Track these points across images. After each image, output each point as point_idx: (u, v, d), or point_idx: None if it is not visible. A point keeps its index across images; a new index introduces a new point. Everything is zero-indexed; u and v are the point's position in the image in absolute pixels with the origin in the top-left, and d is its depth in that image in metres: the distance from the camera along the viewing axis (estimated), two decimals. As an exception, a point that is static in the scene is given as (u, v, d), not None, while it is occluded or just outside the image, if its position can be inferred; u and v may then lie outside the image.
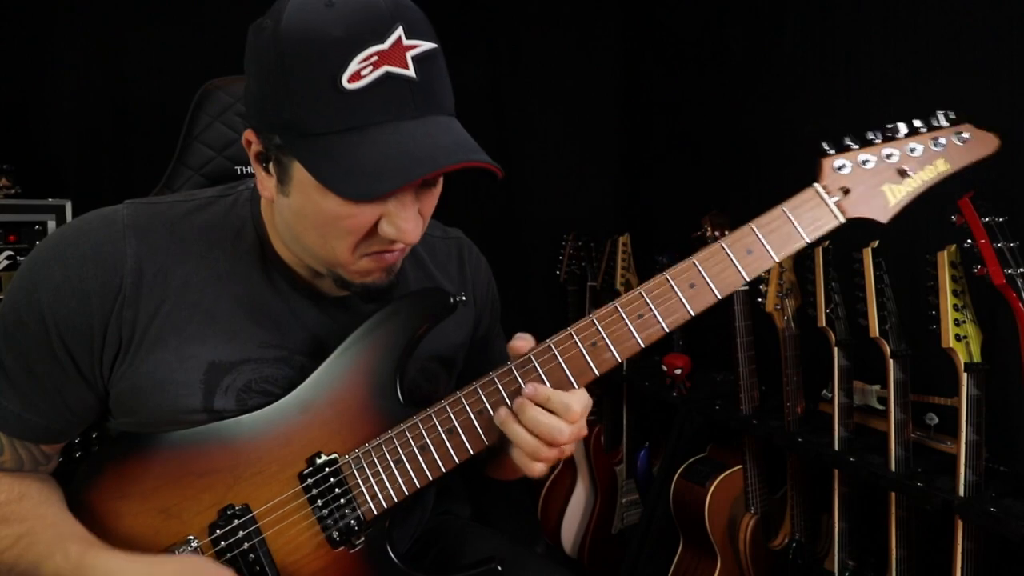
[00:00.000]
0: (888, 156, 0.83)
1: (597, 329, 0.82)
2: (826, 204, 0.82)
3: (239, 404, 0.85)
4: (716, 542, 1.80)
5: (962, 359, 1.24)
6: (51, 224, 1.87)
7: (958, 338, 1.24)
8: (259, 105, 0.76)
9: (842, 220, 0.83)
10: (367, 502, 0.83)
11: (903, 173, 0.83)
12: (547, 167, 2.66)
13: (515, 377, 0.82)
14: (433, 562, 1.02)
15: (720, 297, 0.82)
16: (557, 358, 0.82)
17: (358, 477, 0.83)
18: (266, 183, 0.81)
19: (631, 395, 2.35)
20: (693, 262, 0.82)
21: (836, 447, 1.50)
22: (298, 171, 0.74)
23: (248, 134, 0.80)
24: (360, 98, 0.69)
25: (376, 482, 0.83)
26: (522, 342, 0.83)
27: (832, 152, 0.83)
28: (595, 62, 2.72)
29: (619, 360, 0.82)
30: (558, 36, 2.66)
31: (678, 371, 1.99)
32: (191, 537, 0.83)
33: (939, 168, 0.85)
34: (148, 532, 0.83)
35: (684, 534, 1.92)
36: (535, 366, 0.82)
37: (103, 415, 0.88)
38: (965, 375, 1.23)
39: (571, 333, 0.82)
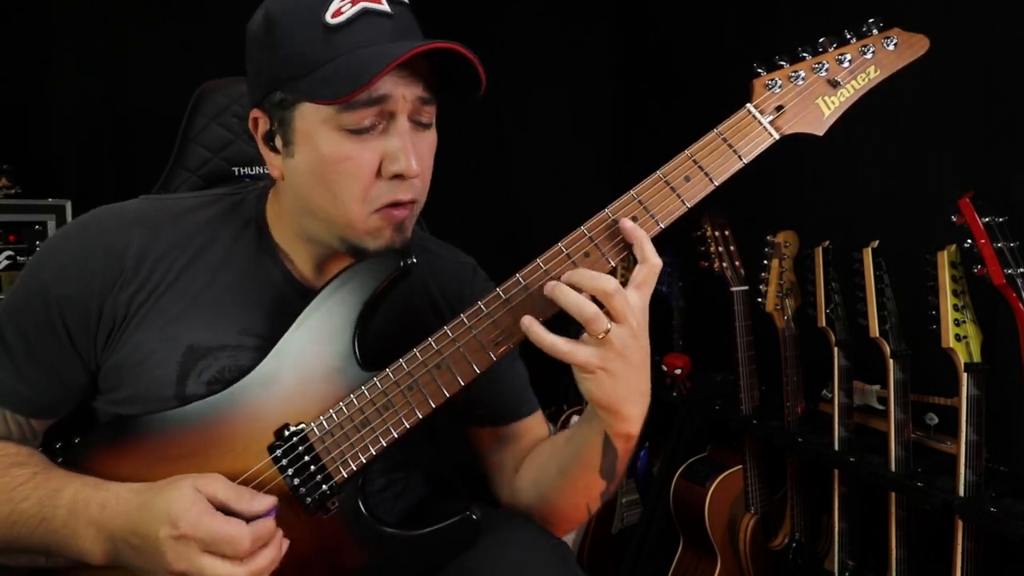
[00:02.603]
0: (817, 68, 0.84)
1: (544, 270, 0.81)
2: (760, 123, 0.83)
3: (209, 390, 0.86)
4: (716, 542, 1.80)
5: (962, 359, 1.23)
6: (51, 224, 1.87)
7: (958, 338, 1.24)
8: (259, 76, 0.83)
9: (776, 137, 0.83)
10: (336, 465, 0.84)
11: (835, 84, 0.84)
12: (547, 167, 2.66)
13: (467, 327, 0.82)
14: (411, 522, 1.01)
15: (662, 226, 0.82)
16: (508, 304, 0.81)
17: (325, 443, 0.84)
18: (274, 161, 0.86)
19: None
20: (632, 195, 0.83)
21: (836, 447, 1.50)
22: (300, 118, 0.80)
23: (254, 114, 0.86)
24: (344, 31, 0.78)
25: (344, 446, 0.84)
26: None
27: (763, 71, 0.83)
28: (594, 62, 2.72)
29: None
30: (557, 35, 2.66)
31: (678, 371, 1.99)
32: None
33: (871, 75, 0.85)
34: None
35: (684, 534, 1.92)
36: (487, 313, 0.81)
37: (92, 394, 0.91)
38: (965, 375, 1.23)
39: (519, 279, 0.82)
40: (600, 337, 0.75)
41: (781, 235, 1.66)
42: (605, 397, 0.79)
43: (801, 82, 0.83)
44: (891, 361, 1.37)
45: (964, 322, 1.25)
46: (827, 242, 1.54)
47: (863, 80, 0.84)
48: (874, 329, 1.39)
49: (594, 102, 2.74)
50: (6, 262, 1.82)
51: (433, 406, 0.83)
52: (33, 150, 2.01)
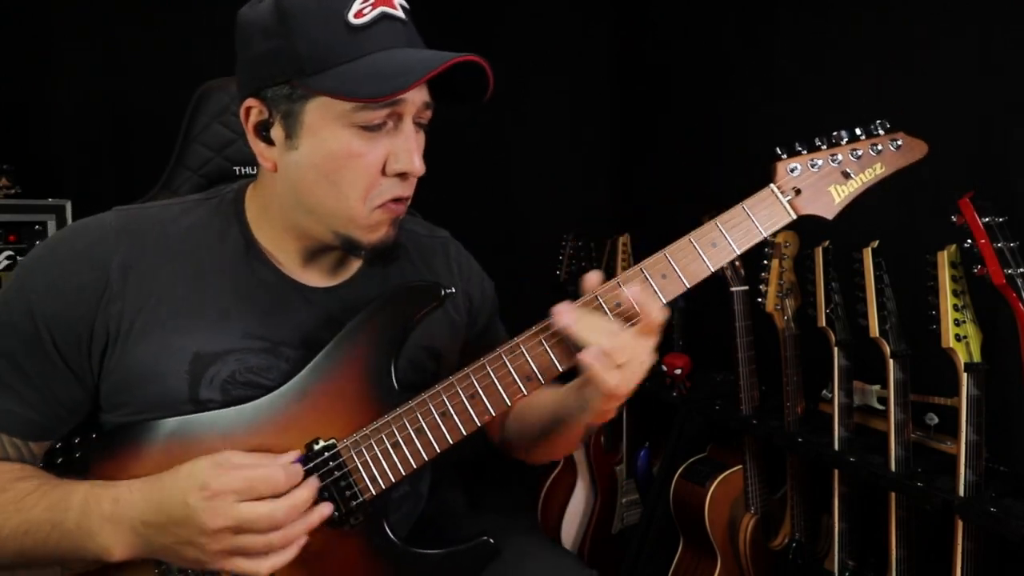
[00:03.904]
0: (834, 159, 0.93)
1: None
2: (780, 202, 0.91)
3: (224, 395, 0.87)
4: (716, 542, 1.80)
5: (962, 359, 1.24)
6: (51, 224, 1.87)
7: (958, 338, 1.24)
8: (262, 65, 0.82)
9: (794, 216, 0.91)
10: (366, 483, 0.86)
11: (846, 175, 0.93)
12: (547, 167, 2.66)
13: (504, 362, 0.87)
14: (429, 542, 1.03)
15: (688, 286, 0.89)
16: (543, 344, 0.87)
17: (357, 461, 0.86)
18: (267, 154, 0.86)
19: (631, 395, 2.34)
20: (665, 255, 0.89)
21: (836, 447, 1.50)
22: (311, 112, 0.81)
23: (248, 103, 0.85)
24: (365, 32, 0.79)
25: (375, 464, 0.87)
26: (594, 275, 0.87)
27: (785, 156, 0.92)
28: (594, 62, 2.72)
29: None
30: (556, 35, 2.66)
31: (678, 371, 1.99)
32: None
33: (877, 171, 0.94)
34: None
35: (684, 534, 1.92)
36: (523, 351, 0.87)
37: (92, 411, 0.90)
38: (965, 375, 1.23)
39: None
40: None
41: (781, 235, 1.66)
42: (621, 399, 0.87)
43: (817, 170, 0.92)
44: (891, 361, 1.38)
45: (964, 322, 1.25)
46: (827, 242, 1.54)
47: (870, 174, 0.94)
48: (874, 329, 1.39)
49: (592, 103, 2.74)
50: (6, 262, 1.81)
51: (464, 433, 0.88)
52: (33, 150, 2.01)
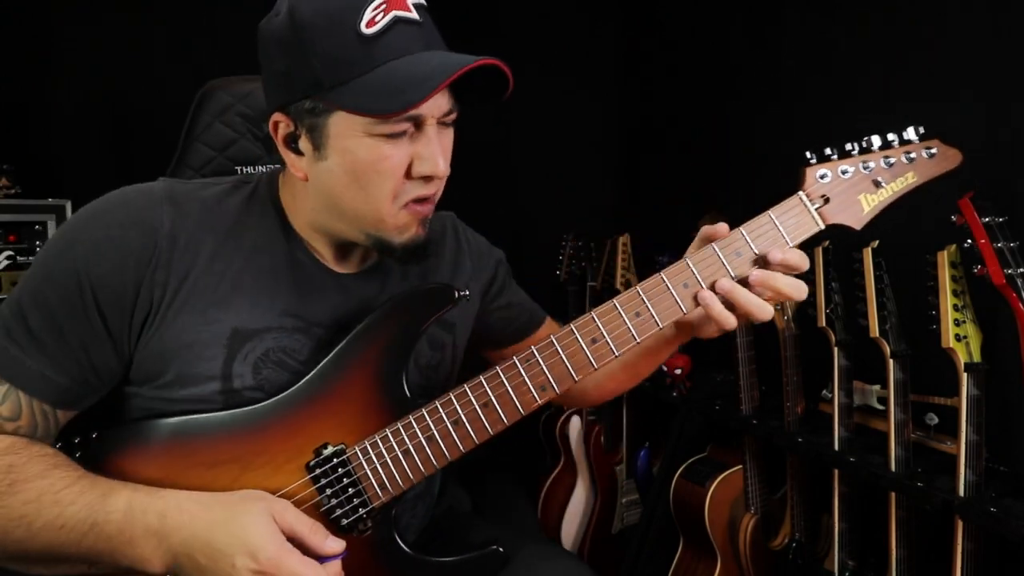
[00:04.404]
0: (865, 167, 0.89)
1: (598, 325, 0.87)
2: (809, 211, 0.88)
3: (254, 371, 0.87)
4: (716, 542, 1.80)
5: (962, 359, 1.24)
6: (51, 224, 1.87)
7: (958, 338, 1.24)
8: (285, 82, 0.83)
9: (822, 226, 0.89)
10: (375, 490, 0.86)
11: (877, 184, 0.89)
12: (547, 167, 2.66)
13: (519, 371, 0.87)
14: (438, 549, 1.04)
15: (705, 288, 0.88)
16: (559, 352, 0.87)
17: (366, 467, 0.86)
18: (297, 164, 0.87)
19: (631, 395, 2.34)
20: (687, 262, 0.87)
21: (836, 447, 1.50)
22: (334, 125, 0.82)
23: (275, 117, 0.86)
24: (379, 40, 0.79)
25: (384, 472, 0.86)
26: (720, 227, 0.89)
27: (814, 162, 0.89)
28: (599, 62, 2.72)
29: (616, 355, 0.88)
30: (559, 35, 2.66)
31: (678, 371, 1.99)
32: None
33: (908, 180, 0.90)
34: None
35: (684, 534, 1.92)
36: (538, 359, 0.87)
37: (121, 383, 0.89)
38: (965, 375, 1.23)
39: (572, 329, 0.88)
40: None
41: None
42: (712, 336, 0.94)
43: (848, 177, 0.89)
44: (891, 361, 1.38)
45: (964, 322, 1.25)
46: (827, 242, 1.54)
47: (902, 184, 0.90)
48: (874, 329, 1.39)
49: (597, 103, 2.74)
50: (6, 262, 1.81)
51: (476, 442, 0.87)
52: (33, 150, 2.01)
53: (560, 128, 2.68)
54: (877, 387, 1.56)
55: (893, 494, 1.40)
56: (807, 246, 1.63)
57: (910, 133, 0.91)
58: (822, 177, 0.88)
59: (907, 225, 1.62)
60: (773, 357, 1.69)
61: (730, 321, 0.87)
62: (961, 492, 1.24)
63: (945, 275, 1.26)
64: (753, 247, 0.87)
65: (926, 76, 1.57)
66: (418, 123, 0.83)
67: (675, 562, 1.93)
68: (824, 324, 1.52)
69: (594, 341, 0.87)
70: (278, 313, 0.89)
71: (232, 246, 0.89)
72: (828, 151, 0.89)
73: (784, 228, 0.87)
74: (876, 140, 0.90)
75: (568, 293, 2.50)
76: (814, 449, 1.54)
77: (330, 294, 0.94)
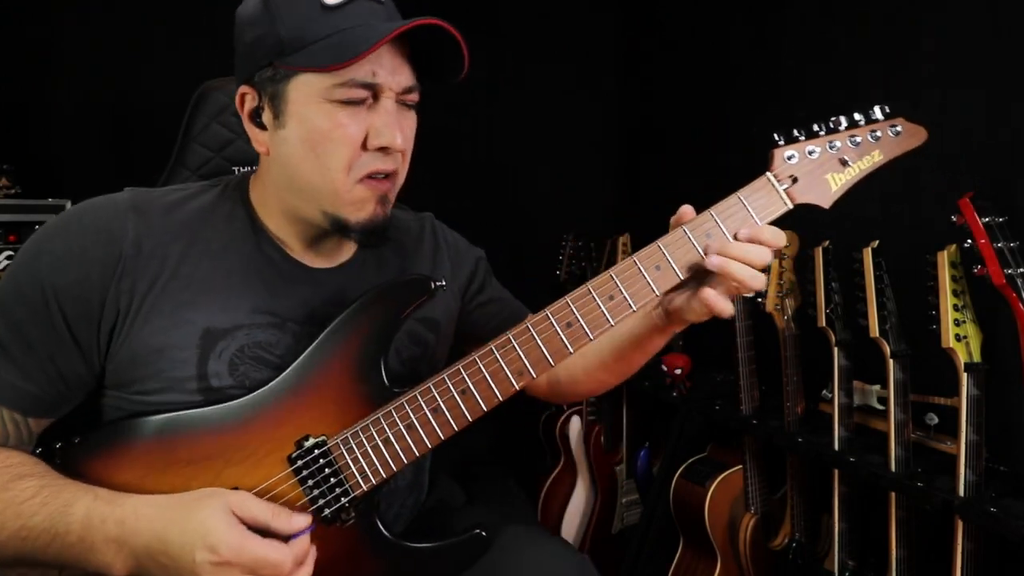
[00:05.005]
0: (832, 147, 0.91)
1: (572, 309, 0.88)
2: (777, 191, 0.90)
3: (231, 368, 0.88)
4: (716, 542, 1.80)
5: (962, 359, 1.23)
6: (51, 224, 1.87)
7: (958, 338, 1.24)
8: (251, 51, 0.87)
9: (790, 206, 0.90)
10: (357, 479, 0.86)
11: (844, 163, 0.91)
12: (547, 167, 2.66)
13: (495, 357, 0.87)
14: (424, 538, 1.04)
15: (682, 277, 0.88)
16: (535, 337, 0.88)
17: (347, 457, 0.86)
18: (260, 138, 0.90)
19: (631, 395, 2.34)
20: (658, 245, 0.88)
21: (836, 447, 1.50)
22: (294, 91, 0.85)
23: (242, 90, 0.90)
24: (339, 10, 0.84)
25: (365, 461, 0.86)
26: (686, 209, 0.90)
27: (782, 143, 0.91)
28: (599, 61, 2.72)
29: (591, 337, 0.88)
30: (558, 35, 2.66)
31: (678, 371, 1.99)
32: None
33: (875, 158, 0.92)
34: None
35: (684, 534, 1.92)
36: (514, 345, 0.87)
37: (95, 391, 0.90)
38: (965, 375, 1.23)
39: (547, 314, 0.88)
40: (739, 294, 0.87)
41: (781, 235, 1.66)
42: (701, 320, 0.90)
43: (815, 157, 0.90)
44: (891, 361, 1.37)
45: (964, 322, 1.25)
46: (827, 242, 1.54)
47: (868, 162, 0.91)
48: (874, 329, 1.39)
49: (597, 102, 2.74)
50: (6, 262, 1.81)
51: (456, 429, 0.88)
52: (33, 150, 2.01)
53: (560, 128, 2.68)
54: (877, 387, 1.56)
55: (893, 494, 1.40)
56: (807, 245, 1.63)
57: (876, 112, 0.92)
58: (790, 158, 0.90)
59: (907, 225, 1.63)
60: (773, 357, 1.69)
61: (716, 301, 0.87)
62: (961, 492, 1.24)
63: (945, 275, 1.26)
64: (723, 227, 0.88)
65: (926, 76, 1.56)
66: (376, 94, 0.85)
67: (675, 562, 1.93)
68: (824, 324, 1.52)
69: (569, 325, 0.87)
70: (249, 310, 0.90)
71: (199, 249, 0.90)
72: (796, 132, 0.91)
73: (753, 208, 0.89)
74: (843, 120, 0.91)
75: (568, 293, 2.49)
76: (814, 449, 1.54)
77: (302, 288, 0.94)
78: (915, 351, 1.38)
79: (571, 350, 0.88)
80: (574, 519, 2.42)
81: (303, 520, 0.81)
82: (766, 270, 0.87)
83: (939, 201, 1.49)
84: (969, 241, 1.20)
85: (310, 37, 0.83)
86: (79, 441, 0.86)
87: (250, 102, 0.89)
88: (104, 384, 0.89)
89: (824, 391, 1.70)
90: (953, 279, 1.26)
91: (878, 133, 0.91)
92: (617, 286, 0.87)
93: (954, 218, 1.22)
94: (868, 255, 1.41)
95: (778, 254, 1.66)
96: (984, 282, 1.19)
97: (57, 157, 2.05)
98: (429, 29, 0.83)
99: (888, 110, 0.92)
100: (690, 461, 1.90)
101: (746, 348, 1.75)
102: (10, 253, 1.82)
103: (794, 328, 1.65)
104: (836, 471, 1.53)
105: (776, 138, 0.91)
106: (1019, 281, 1.16)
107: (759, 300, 1.68)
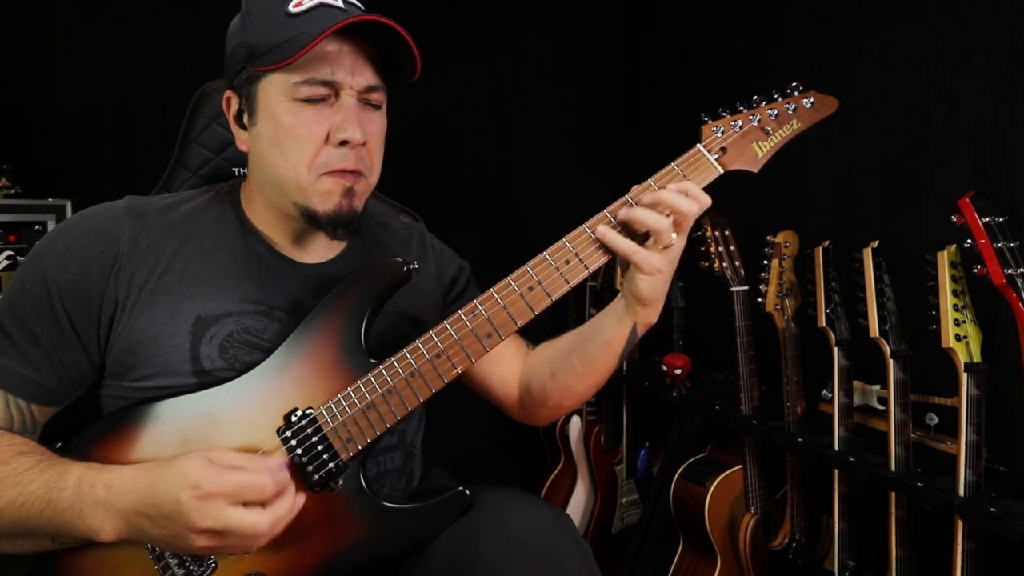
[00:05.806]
0: (754, 118, 1.02)
1: (532, 275, 0.96)
2: (708, 160, 1.00)
3: (222, 352, 0.94)
4: (716, 542, 1.80)
5: (962, 359, 1.24)
6: (51, 224, 1.87)
7: (958, 338, 1.24)
8: (232, 59, 0.96)
9: (721, 171, 1.00)
10: (342, 444, 0.92)
11: (766, 132, 1.02)
12: (546, 168, 2.66)
13: (464, 322, 0.94)
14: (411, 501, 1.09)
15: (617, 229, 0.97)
16: (499, 302, 0.94)
17: (332, 424, 0.92)
18: (242, 136, 0.99)
19: (631, 395, 2.35)
20: (605, 210, 0.98)
21: (836, 447, 1.50)
22: (263, 90, 0.93)
23: (227, 94, 1.00)
24: (301, 17, 0.91)
25: (350, 426, 0.92)
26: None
27: (709, 120, 1.02)
28: (595, 63, 2.72)
29: (552, 299, 0.96)
30: (559, 36, 2.66)
31: (678, 371, 1.99)
32: None
33: (794, 126, 1.03)
34: None
35: (684, 534, 1.92)
36: (481, 311, 0.94)
37: (95, 382, 0.96)
38: (965, 375, 1.23)
39: (509, 281, 0.96)
40: (664, 246, 0.93)
41: (781, 235, 1.66)
42: (652, 294, 0.96)
43: (740, 129, 1.01)
44: (891, 361, 1.38)
45: (964, 322, 1.25)
46: (827, 242, 1.54)
47: (788, 130, 1.03)
48: (874, 329, 1.39)
49: (595, 103, 2.73)
50: (6, 262, 1.81)
51: (433, 390, 0.94)
52: (33, 150, 2.00)
53: (560, 128, 2.68)
54: (877, 387, 1.56)
55: (893, 494, 1.40)
56: (807, 245, 1.63)
57: (791, 90, 1.04)
58: (717, 130, 1.01)
59: (907, 225, 1.63)
60: (773, 357, 1.69)
61: (641, 254, 0.93)
62: (961, 492, 1.24)
63: (945, 275, 1.26)
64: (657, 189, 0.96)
65: (926, 76, 1.56)
66: (337, 92, 0.92)
67: (675, 562, 1.93)
68: (824, 324, 1.52)
69: (531, 289, 0.95)
70: (238, 300, 0.97)
71: (192, 246, 0.97)
72: (721, 111, 1.02)
73: (689, 176, 0.98)
74: (763, 98, 1.03)
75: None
76: (814, 449, 1.54)
77: (289, 282, 1.01)
78: (915, 351, 1.38)
79: (534, 311, 0.95)
80: (574, 519, 2.41)
81: (278, 458, 0.86)
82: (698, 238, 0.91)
83: (939, 201, 1.49)
84: (969, 241, 1.20)
85: (276, 40, 0.90)
86: (77, 438, 0.91)
87: (234, 105, 0.99)
88: (104, 376, 0.95)
89: (824, 391, 1.70)
90: (953, 279, 1.26)
91: (794, 105, 1.03)
92: (572, 251, 0.96)
93: (954, 218, 1.23)
94: (868, 255, 1.41)
95: (778, 253, 1.66)
96: (984, 282, 1.19)
97: (57, 157, 2.04)
98: (385, 30, 0.90)
99: (801, 88, 1.04)
100: (690, 461, 1.90)
101: (746, 348, 1.75)
102: (10, 253, 1.82)
103: (794, 328, 1.65)
104: (836, 471, 1.53)
105: (703, 116, 1.02)
106: (1019, 281, 1.16)
107: (759, 300, 1.68)
